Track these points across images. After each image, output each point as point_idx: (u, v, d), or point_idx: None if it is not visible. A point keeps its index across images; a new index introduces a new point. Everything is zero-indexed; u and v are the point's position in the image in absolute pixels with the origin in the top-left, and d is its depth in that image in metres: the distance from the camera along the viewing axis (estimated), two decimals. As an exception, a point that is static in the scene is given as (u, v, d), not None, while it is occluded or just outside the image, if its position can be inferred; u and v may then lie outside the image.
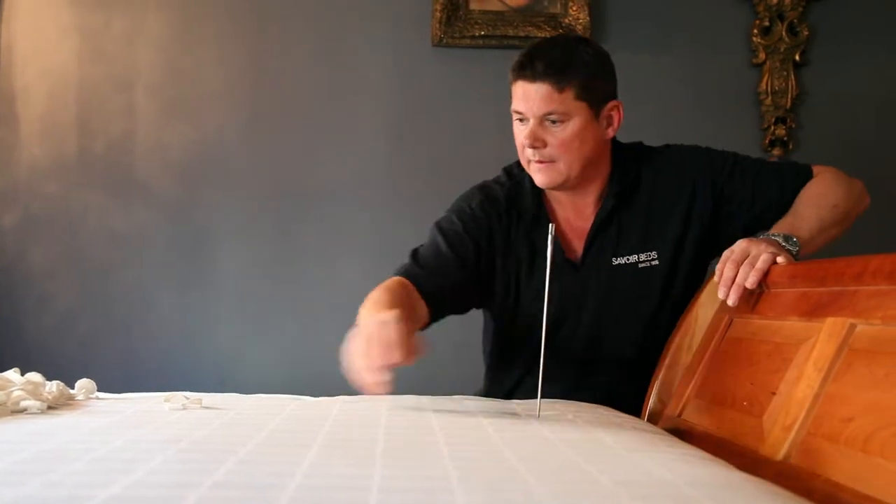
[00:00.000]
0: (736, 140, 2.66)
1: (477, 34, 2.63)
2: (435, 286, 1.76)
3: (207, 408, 1.44)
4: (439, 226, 1.86)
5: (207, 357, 2.64)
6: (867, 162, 2.71)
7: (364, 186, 2.67)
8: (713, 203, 1.81)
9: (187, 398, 1.49)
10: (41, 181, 2.64)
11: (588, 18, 2.62)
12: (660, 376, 1.74)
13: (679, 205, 1.81)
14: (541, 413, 1.41)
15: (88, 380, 1.56)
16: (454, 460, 1.00)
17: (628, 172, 1.83)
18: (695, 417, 1.56)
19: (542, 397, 1.43)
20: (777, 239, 1.60)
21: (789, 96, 2.68)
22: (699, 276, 1.88)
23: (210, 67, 2.67)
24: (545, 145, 1.73)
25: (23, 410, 1.34)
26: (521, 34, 2.63)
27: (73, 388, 1.54)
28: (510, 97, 1.76)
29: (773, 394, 1.30)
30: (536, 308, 1.79)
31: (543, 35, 2.62)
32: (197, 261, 2.66)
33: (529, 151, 1.74)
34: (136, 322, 2.65)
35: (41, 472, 0.88)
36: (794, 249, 1.59)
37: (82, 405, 1.46)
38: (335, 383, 2.40)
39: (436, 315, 1.78)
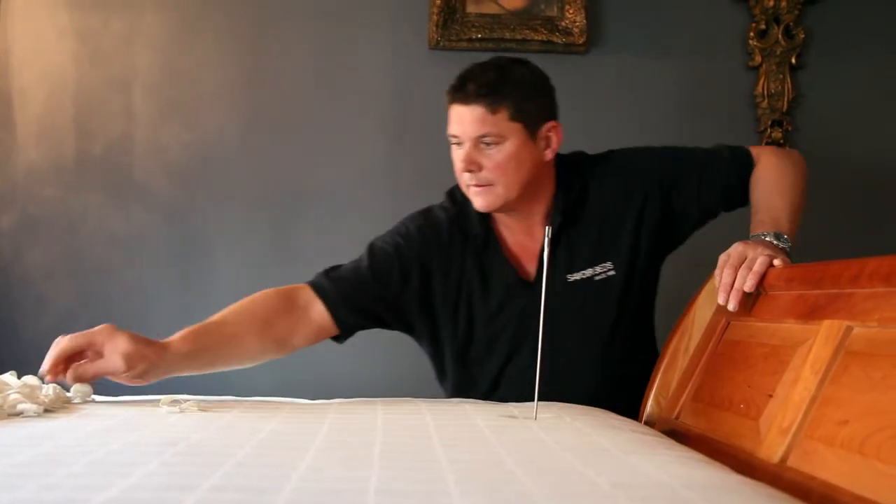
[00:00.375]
0: (732, 143, 2.67)
1: (474, 37, 2.63)
2: (340, 300, 1.78)
3: (204, 410, 1.44)
4: (372, 245, 1.86)
5: (204, 360, 2.63)
6: (863, 165, 2.72)
7: (362, 189, 2.67)
8: (661, 202, 1.81)
9: (184, 401, 1.49)
10: (39, 183, 2.63)
11: (585, 21, 2.62)
12: (657, 379, 1.75)
13: (629, 211, 1.81)
14: (538, 416, 1.41)
15: (84, 384, 1.56)
16: (451, 463, 1.00)
17: (573, 187, 1.81)
18: (692, 420, 1.57)
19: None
20: (769, 239, 1.60)
21: (785, 99, 2.68)
22: (654, 280, 1.89)
23: (208, 69, 2.67)
24: (481, 168, 1.71)
25: (19, 414, 1.34)
26: (518, 37, 2.63)
27: (69, 391, 1.54)
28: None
29: (770, 396, 1.31)
30: (494, 328, 1.80)
31: (540, 38, 2.63)
32: (195, 262, 2.66)
33: (466, 176, 1.72)
34: (135, 324, 2.61)
35: (38, 475, 0.88)
36: (787, 247, 1.60)
37: (79, 408, 1.46)
38: (332, 386, 2.41)
39: (343, 328, 1.81)
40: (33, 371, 1.54)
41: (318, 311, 1.77)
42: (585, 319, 1.80)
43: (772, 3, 2.68)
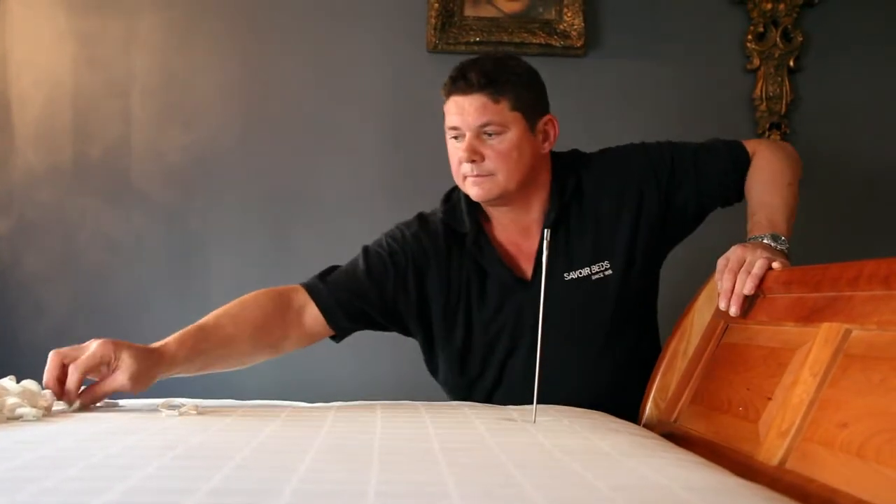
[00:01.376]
0: (731, 146, 2.67)
1: (472, 40, 2.64)
2: (334, 304, 1.79)
3: (203, 413, 1.44)
4: (367, 249, 1.87)
5: (203, 363, 2.63)
6: (861, 167, 2.72)
7: (360, 192, 2.67)
8: (658, 198, 1.80)
9: (183, 404, 1.49)
10: (37, 187, 2.63)
11: (583, 24, 2.62)
12: (656, 381, 1.75)
13: (626, 209, 1.80)
14: (536, 419, 1.41)
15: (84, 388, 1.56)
16: (450, 466, 1.00)
17: (568, 185, 1.81)
18: (691, 423, 1.57)
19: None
20: (767, 241, 1.60)
21: (784, 102, 2.69)
22: (654, 280, 1.89)
23: (206, 72, 2.67)
24: (483, 159, 1.71)
25: (18, 418, 1.34)
26: (516, 40, 2.63)
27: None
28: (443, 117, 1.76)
29: (769, 399, 1.31)
30: (492, 331, 1.80)
31: (538, 42, 2.63)
32: (193, 267, 2.65)
33: (467, 167, 1.72)
34: (132, 328, 2.63)
35: (36, 478, 0.88)
36: (784, 248, 1.60)
37: (77, 413, 1.46)
38: (331, 389, 2.41)
39: (338, 331, 1.82)
40: (31, 375, 1.53)
41: (313, 315, 1.78)
42: (584, 319, 1.80)
43: (770, 6, 2.68)
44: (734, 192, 1.84)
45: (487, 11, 2.66)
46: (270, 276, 2.65)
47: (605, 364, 1.81)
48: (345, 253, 2.64)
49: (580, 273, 1.79)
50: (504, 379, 1.83)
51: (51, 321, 2.62)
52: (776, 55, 2.69)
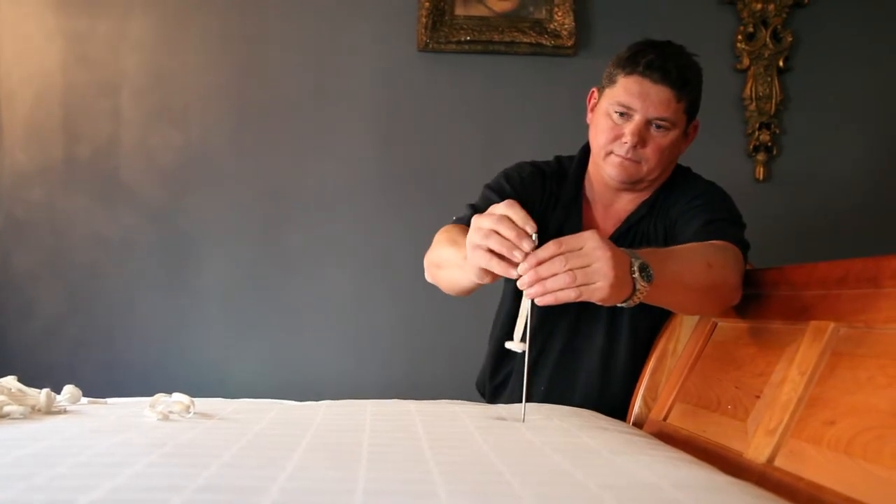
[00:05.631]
0: (721, 146, 2.68)
1: (462, 39, 2.64)
2: None
3: (191, 411, 1.43)
4: (490, 186, 1.86)
5: (193, 362, 2.63)
6: (850, 167, 2.73)
7: (351, 191, 2.67)
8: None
9: (172, 403, 1.48)
10: (26, 186, 2.63)
11: (573, 24, 2.63)
12: (644, 380, 1.75)
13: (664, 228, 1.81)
14: (526, 417, 1.41)
15: (74, 387, 1.56)
16: (439, 464, 1.00)
17: (670, 191, 1.81)
18: (680, 421, 1.57)
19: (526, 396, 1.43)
20: (635, 268, 1.28)
21: (773, 102, 2.70)
22: None
23: (196, 71, 2.67)
24: (645, 145, 1.72)
25: (5, 416, 1.33)
26: (507, 39, 2.64)
27: (59, 393, 1.53)
28: (609, 85, 1.74)
29: (757, 397, 1.31)
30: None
31: (529, 41, 2.63)
32: (183, 266, 2.65)
33: (622, 146, 1.72)
34: (122, 327, 2.64)
35: (24, 476, 0.88)
36: (639, 284, 1.28)
37: (66, 411, 1.46)
38: (320, 388, 2.41)
39: None
40: (20, 373, 1.53)
41: None
42: (615, 313, 1.80)
43: (759, 7, 2.69)
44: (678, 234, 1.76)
45: (478, 10, 2.66)
46: (260, 274, 2.66)
47: (616, 355, 1.82)
48: (335, 251, 2.66)
49: None
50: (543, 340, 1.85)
51: (40, 320, 2.61)
52: (766, 55, 2.70)
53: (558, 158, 1.93)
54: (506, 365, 1.95)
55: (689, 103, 1.73)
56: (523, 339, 1.31)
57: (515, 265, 1.24)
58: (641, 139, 1.71)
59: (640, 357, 1.81)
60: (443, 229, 1.73)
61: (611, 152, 1.75)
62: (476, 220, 1.29)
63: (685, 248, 1.52)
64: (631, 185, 1.78)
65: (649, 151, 1.72)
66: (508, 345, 1.31)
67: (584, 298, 1.22)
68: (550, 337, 1.84)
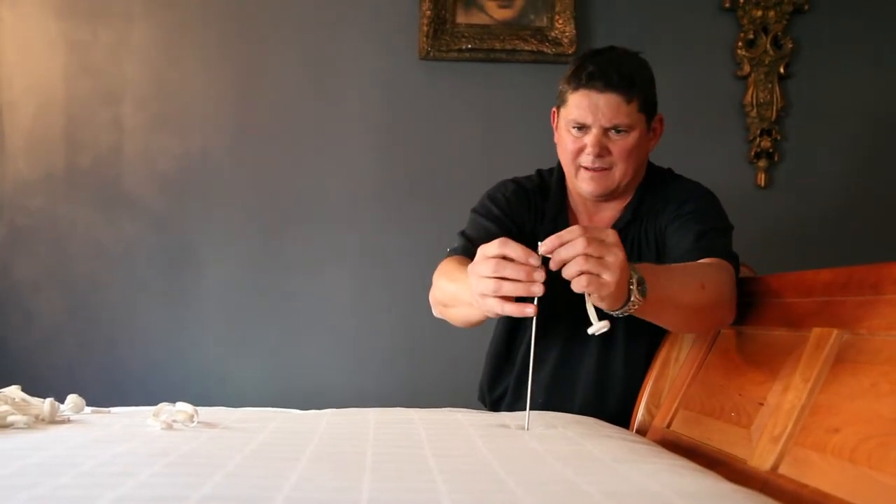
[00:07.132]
0: (722, 152, 2.69)
1: (464, 47, 2.64)
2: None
3: (195, 421, 1.43)
4: (476, 211, 1.88)
5: (195, 370, 2.63)
6: (852, 173, 2.73)
7: (351, 198, 2.67)
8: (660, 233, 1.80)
9: (175, 412, 1.47)
10: (27, 194, 2.63)
11: (574, 32, 2.63)
12: (648, 388, 1.75)
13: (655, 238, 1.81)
14: (529, 425, 1.41)
15: (77, 396, 1.55)
16: (443, 473, 1.00)
17: (654, 194, 1.82)
18: (683, 429, 1.57)
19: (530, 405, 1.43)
20: (633, 280, 1.31)
21: (774, 108, 2.70)
22: None
23: (198, 80, 2.67)
24: (609, 153, 1.74)
25: (9, 425, 1.33)
26: (508, 47, 2.64)
27: (62, 402, 1.53)
28: (562, 104, 1.77)
29: (761, 404, 1.31)
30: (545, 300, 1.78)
31: (529, 49, 2.63)
32: (184, 274, 2.65)
33: (588, 158, 1.74)
34: (124, 336, 2.64)
35: (27, 486, 0.88)
36: (634, 296, 1.31)
37: (70, 420, 1.45)
38: (323, 396, 2.41)
39: None
40: (22, 383, 1.53)
41: None
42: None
43: (760, 14, 2.70)
44: (667, 249, 1.77)
45: (479, 19, 2.66)
46: (261, 283, 2.66)
47: (614, 364, 1.83)
48: (336, 258, 2.66)
49: None
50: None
51: (41, 329, 2.61)
52: (766, 62, 2.70)
53: (539, 172, 1.94)
54: (504, 379, 1.96)
55: (642, 102, 1.73)
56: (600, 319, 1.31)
57: (531, 303, 1.28)
58: (604, 147, 1.73)
59: (637, 369, 1.81)
60: (441, 265, 1.74)
61: (580, 167, 1.77)
62: (475, 269, 1.31)
63: (680, 269, 1.53)
64: (607, 196, 1.80)
65: (616, 156, 1.74)
66: (593, 329, 1.30)
67: (588, 289, 1.25)
68: (546, 351, 1.85)
